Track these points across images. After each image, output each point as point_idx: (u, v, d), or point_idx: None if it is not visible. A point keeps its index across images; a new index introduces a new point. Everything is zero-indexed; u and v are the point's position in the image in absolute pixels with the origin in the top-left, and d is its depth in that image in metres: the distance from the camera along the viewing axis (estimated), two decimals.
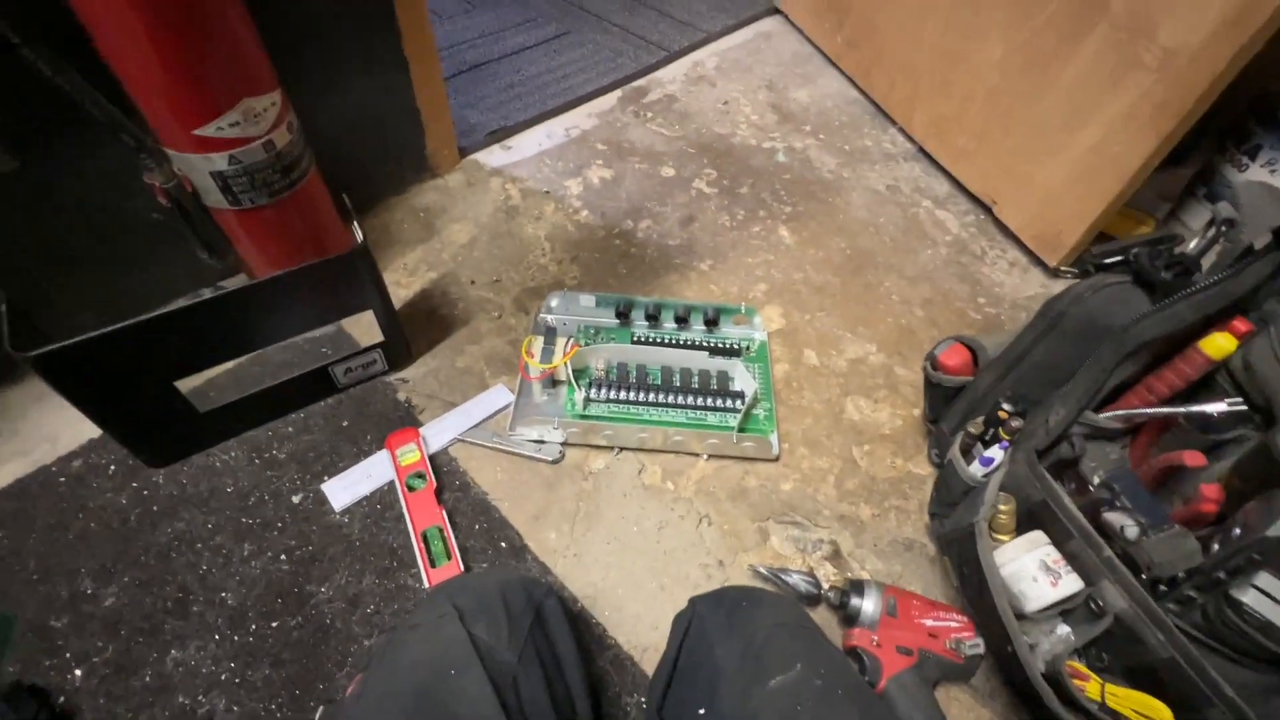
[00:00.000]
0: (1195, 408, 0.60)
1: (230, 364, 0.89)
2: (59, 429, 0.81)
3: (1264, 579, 0.50)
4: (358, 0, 0.93)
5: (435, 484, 0.80)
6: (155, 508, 0.77)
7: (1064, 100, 1.03)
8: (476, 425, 0.87)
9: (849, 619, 0.70)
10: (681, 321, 0.97)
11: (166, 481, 0.79)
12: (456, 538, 0.76)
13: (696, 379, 0.90)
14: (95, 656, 0.66)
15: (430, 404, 0.89)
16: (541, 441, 0.85)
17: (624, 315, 0.98)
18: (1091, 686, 0.57)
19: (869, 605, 0.69)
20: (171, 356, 0.73)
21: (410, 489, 0.79)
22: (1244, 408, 0.58)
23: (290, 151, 0.79)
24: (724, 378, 0.91)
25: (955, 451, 0.73)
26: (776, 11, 1.70)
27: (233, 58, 0.68)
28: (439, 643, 0.49)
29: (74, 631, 0.68)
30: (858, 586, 0.71)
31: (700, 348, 0.94)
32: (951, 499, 0.74)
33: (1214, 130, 1.07)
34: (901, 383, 0.97)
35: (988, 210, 1.23)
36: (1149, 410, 0.63)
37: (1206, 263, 0.64)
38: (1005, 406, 0.69)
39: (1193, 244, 0.64)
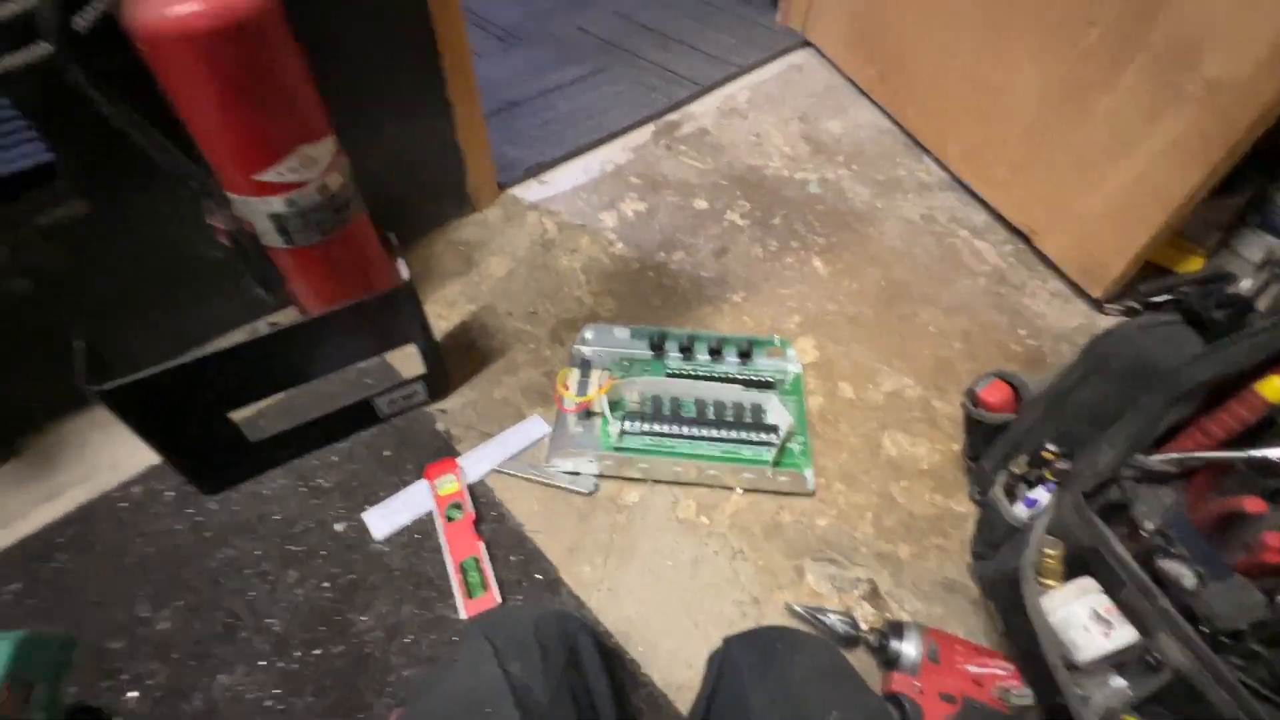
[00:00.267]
0: (1256, 452, 0.58)
1: (279, 395, 0.93)
2: (120, 457, 0.85)
3: None
4: (404, 48, 0.98)
5: (473, 514, 0.81)
6: (207, 534, 0.80)
7: (1104, 130, 1.02)
8: (513, 456, 0.88)
9: (889, 662, 0.68)
10: (715, 354, 0.98)
11: (218, 508, 0.83)
12: (493, 569, 0.77)
13: (730, 412, 0.90)
14: (149, 679, 0.69)
15: (468, 434, 0.91)
16: (576, 474, 0.86)
17: (658, 348, 0.99)
18: None
19: (910, 649, 0.67)
20: (227, 389, 0.77)
21: (449, 519, 0.81)
22: None
23: (341, 193, 0.83)
24: (758, 411, 0.91)
25: (998, 491, 0.71)
26: (807, 44, 1.72)
27: (293, 110, 0.73)
28: (475, 680, 0.50)
29: (130, 654, 0.71)
30: (897, 628, 0.69)
31: (734, 381, 0.95)
32: (995, 540, 0.72)
33: (1265, 158, 1.04)
34: (940, 417, 0.95)
35: (1027, 240, 1.21)
36: (1204, 454, 0.61)
37: (1262, 303, 0.62)
38: (1050, 447, 0.68)
39: (1246, 283, 0.62)
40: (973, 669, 0.65)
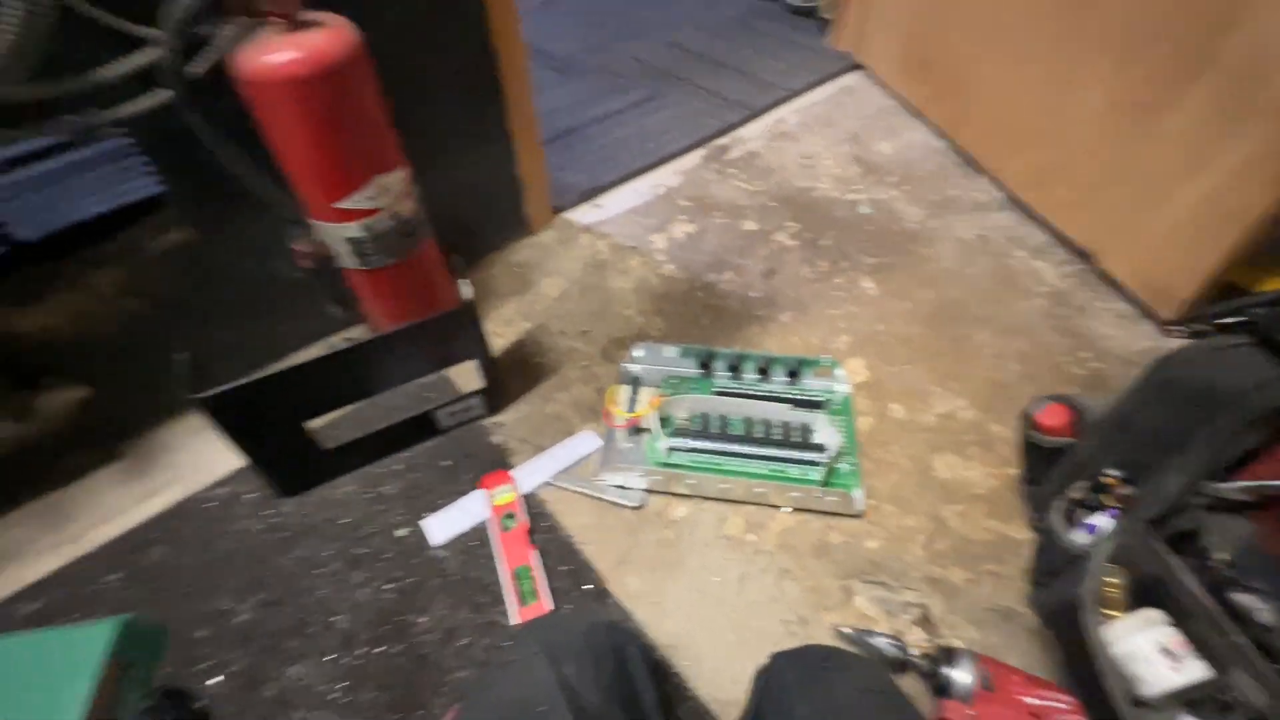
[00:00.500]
0: None
1: (350, 407, 0.99)
2: (210, 460, 0.93)
3: None
4: (470, 83, 1.04)
5: (527, 524, 0.84)
6: (283, 534, 0.86)
7: (1173, 149, 0.99)
8: (565, 470, 0.91)
9: (940, 689, 0.67)
10: (763, 373, 0.99)
11: (293, 511, 0.89)
12: (544, 577, 0.80)
13: (778, 431, 0.91)
14: (230, 667, 0.74)
15: (522, 447, 0.95)
16: (625, 488, 0.88)
17: (706, 366, 1.00)
18: None
19: (963, 676, 0.66)
20: (305, 400, 0.83)
21: (503, 528, 0.84)
22: None
23: (411, 218, 0.89)
24: (806, 430, 0.91)
25: (1056, 517, 0.69)
26: (858, 67, 1.73)
27: (371, 144, 0.79)
28: (529, 681, 0.52)
29: (213, 643, 0.77)
30: (950, 655, 0.68)
31: (782, 400, 0.95)
32: (1053, 567, 0.70)
33: None
34: (995, 440, 0.93)
35: (1089, 260, 1.17)
36: None
37: None
38: (1112, 472, 0.66)
39: None
40: (1031, 700, 0.63)
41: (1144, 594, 0.60)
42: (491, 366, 0.93)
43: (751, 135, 1.55)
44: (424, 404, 0.95)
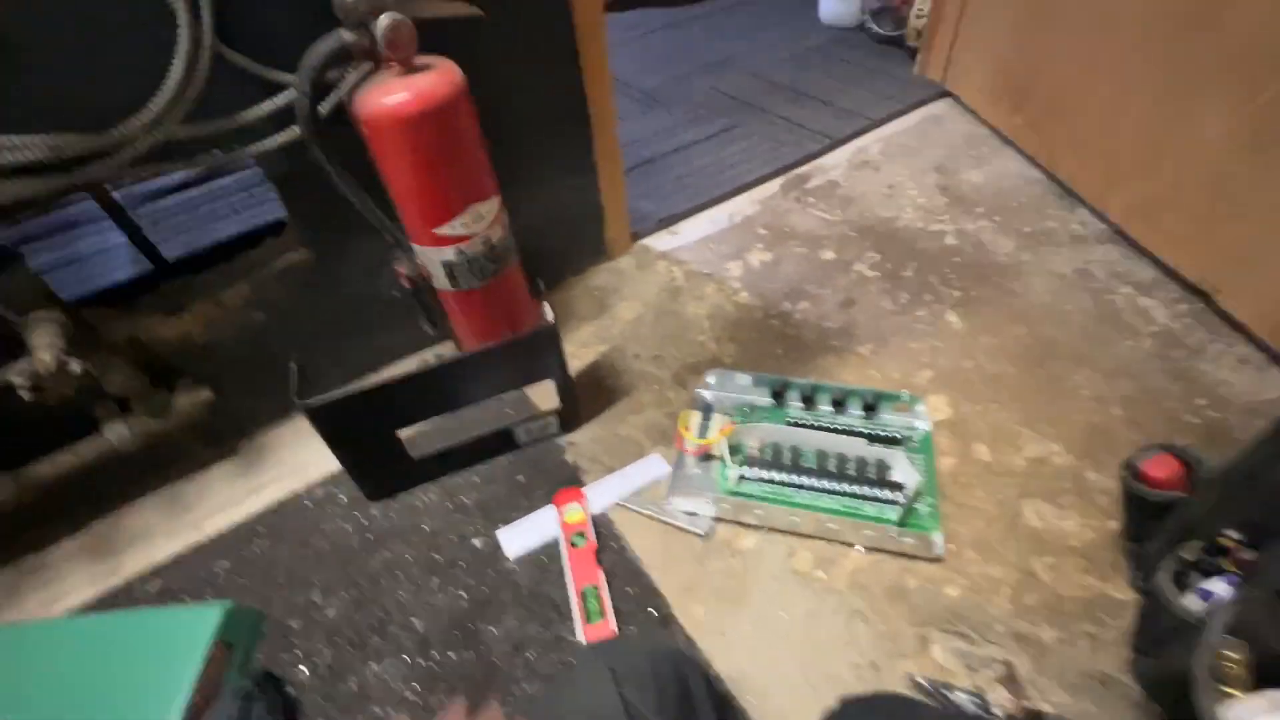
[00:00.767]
0: None
1: (435, 419, 1.05)
2: (311, 461, 1.01)
3: None
4: (560, 116, 1.10)
5: (595, 544, 0.86)
6: (370, 536, 0.92)
7: None
8: (635, 492, 0.92)
9: None
10: (838, 406, 0.97)
11: (380, 515, 0.94)
12: (611, 598, 0.81)
13: (853, 466, 0.89)
14: (317, 658, 0.80)
15: (594, 466, 0.97)
16: (694, 514, 0.89)
17: (780, 396, 1.00)
18: None
19: None
20: (398, 411, 0.89)
21: (573, 545, 0.86)
22: None
23: (501, 244, 0.94)
24: (883, 467, 0.88)
25: (1165, 579, 0.64)
26: (946, 95, 1.68)
27: (469, 175, 0.85)
28: (593, 702, 0.53)
29: (304, 634, 0.82)
30: (1038, 719, 0.63)
31: (858, 434, 0.93)
32: (1160, 635, 0.64)
33: None
34: (1094, 490, 0.87)
35: (1206, 299, 1.08)
36: None
37: None
38: (1231, 533, 0.60)
39: None
40: None
41: (1270, 672, 0.54)
42: (568, 387, 0.96)
43: (832, 164, 1.53)
44: (503, 419, 0.99)
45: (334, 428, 0.84)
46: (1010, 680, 0.71)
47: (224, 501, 0.98)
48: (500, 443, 0.99)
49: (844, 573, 0.82)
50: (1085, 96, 1.26)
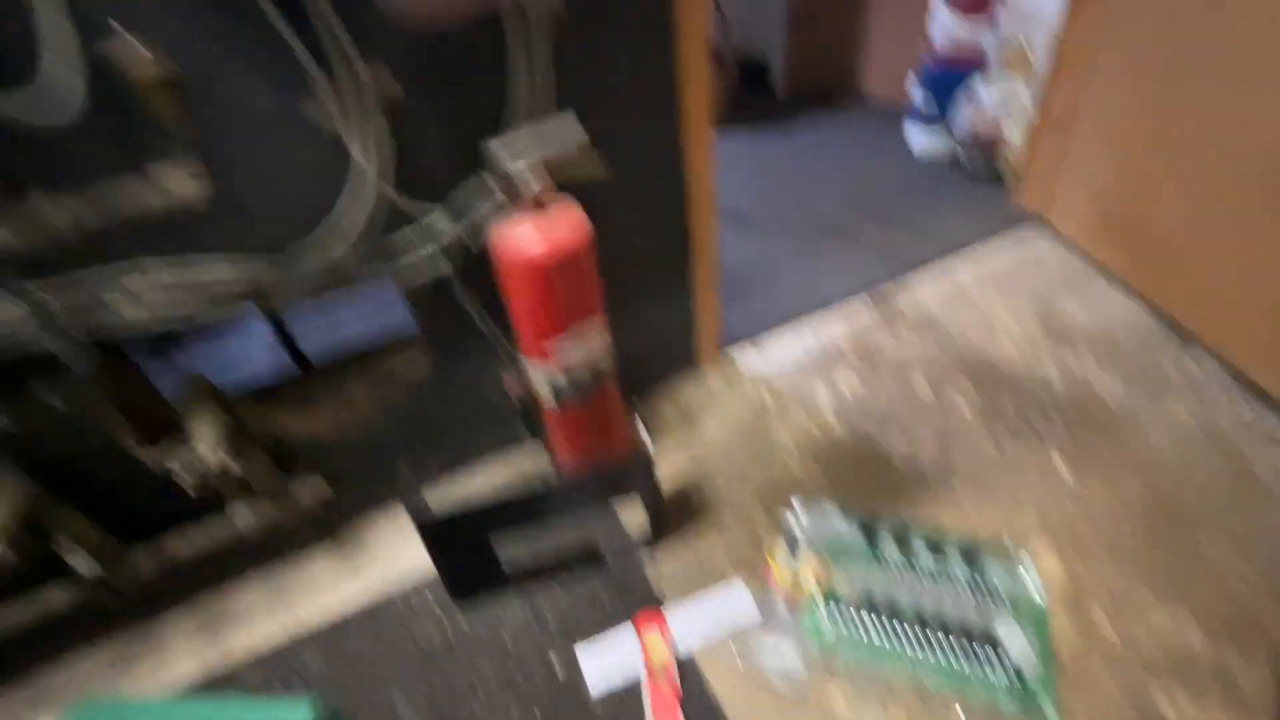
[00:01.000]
0: None
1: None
2: (405, 559, 1.05)
3: None
4: (665, 243, 1.17)
5: (679, 690, 0.83)
6: (455, 644, 0.93)
7: None
8: (718, 625, 0.90)
9: None
10: (936, 551, 0.92)
11: (465, 624, 0.96)
12: None
13: (955, 625, 0.83)
14: None
15: (676, 589, 0.96)
16: (780, 660, 0.85)
17: (871, 533, 0.96)
18: None
19: None
20: (495, 522, 0.92)
21: (655, 684, 0.84)
22: None
23: (602, 364, 0.99)
24: (988, 629, 0.82)
25: None
26: (1042, 225, 1.68)
27: (583, 303, 0.92)
28: None
29: None
30: None
31: (958, 584, 0.88)
32: None
33: None
34: (1241, 681, 0.77)
35: None
36: None
37: None
38: None
39: None
40: None
41: None
42: (658, 509, 0.97)
43: (924, 291, 1.54)
44: (590, 534, 1.00)
45: (437, 537, 0.88)
46: None
47: (323, 592, 1.03)
48: (585, 557, 1.00)
49: None
50: (1199, 235, 1.22)
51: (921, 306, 1.49)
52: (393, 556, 1.06)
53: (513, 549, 1.01)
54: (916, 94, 2.12)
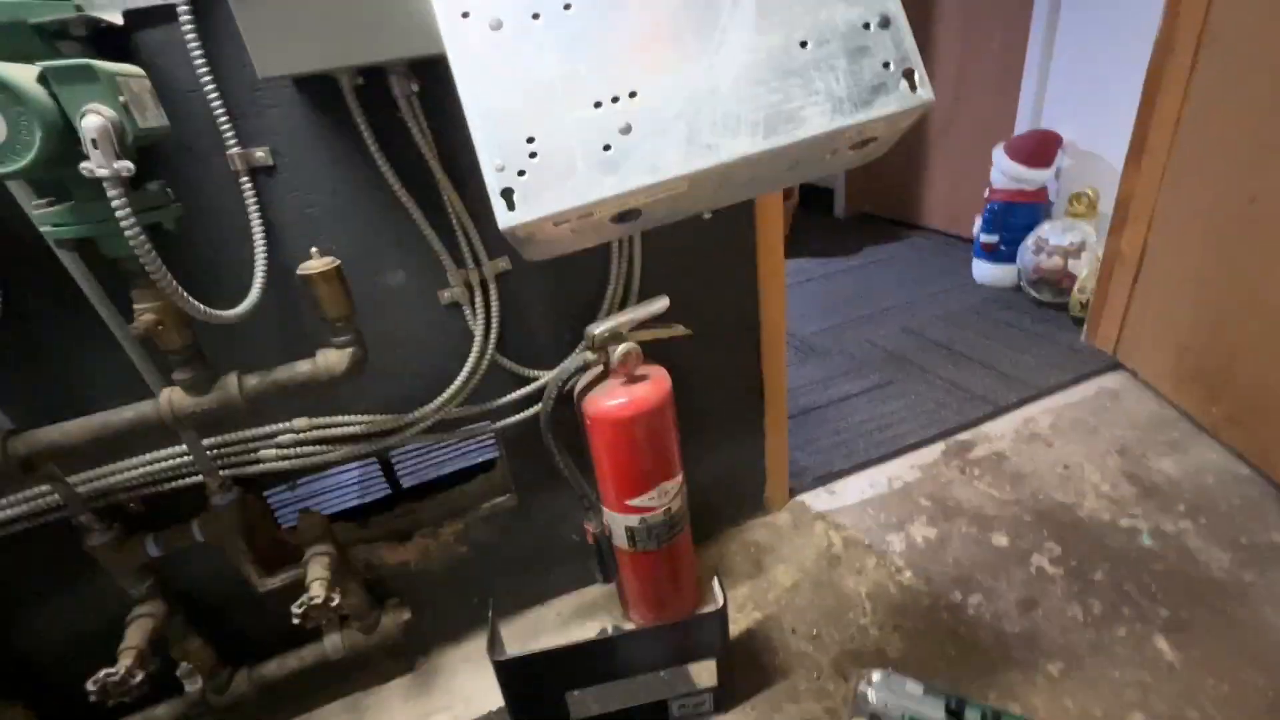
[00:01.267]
0: None
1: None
2: (476, 695, 1.07)
3: None
4: (737, 389, 1.23)
5: None
6: None
7: None
8: None
9: None
10: None
11: None
12: None
13: None
14: None
15: None
16: None
17: (957, 716, 0.91)
18: None
19: None
20: (571, 671, 0.94)
21: None
22: None
23: (679, 513, 1.03)
24: None
25: None
26: (1120, 368, 1.65)
27: (663, 459, 0.97)
28: None
29: None
30: None
31: None
32: None
33: None
34: None
35: None
36: None
37: None
38: None
39: None
40: None
41: None
42: (728, 666, 0.96)
43: (998, 434, 1.52)
44: (659, 691, 1.00)
45: (512, 677, 0.90)
46: None
47: None
48: (654, 714, 0.99)
49: None
50: None
51: (996, 450, 1.47)
52: (466, 692, 1.08)
53: (582, 698, 1.02)
54: (981, 230, 2.19)
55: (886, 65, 0.56)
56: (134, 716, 0.96)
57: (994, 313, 2.05)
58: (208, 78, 0.71)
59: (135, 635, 0.85)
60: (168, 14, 0.69)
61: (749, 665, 1.06)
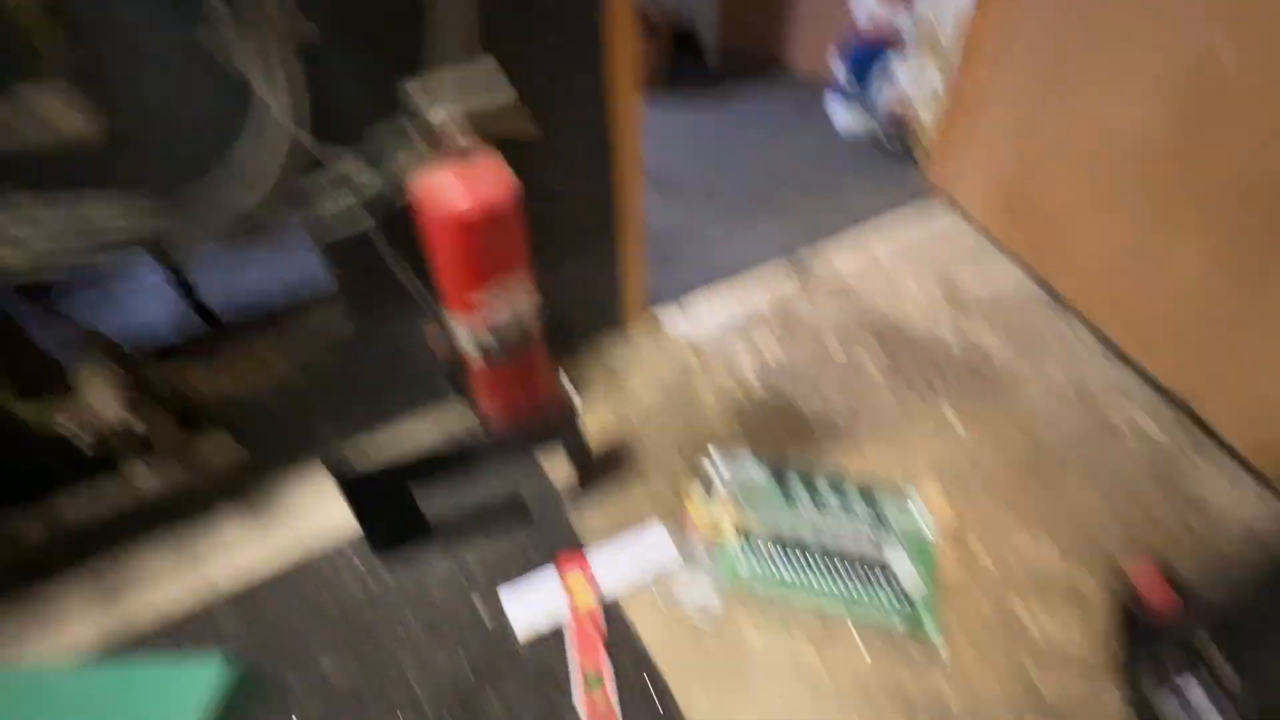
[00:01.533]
0: None
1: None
2: (324, 521, 1.02)
3: None
4: (591, 200, 1.18)
5: (604, 631, 0.87)
6: (379, 601, 0.93)
7: None
8: (639, 567, 0.94)
9: None
10: (838, 492, 1.00)
11: (389, 578, 0.96)
12: (616, 688, 0.82)
13: (856, 561, 0.91)
14: (310, 715, 0.79)
15: (598, 533, 0.99)
16: (699, 598, 0.90)
17: (781, 478, 1.03)
18: None
19: None
20: (419, 478, 0.92)
21: (580, 626, 0.87)
22: None
23: (528, 320, 1.00)
24: (884, 564, 0.91)
25: (1153, 689, 0.66)
26: (949, 201, 1.80)
27: (507, 256, 0.92)
28: None
29: (300, 693, 0.82)
30: None
31: (857, 520, 0.96)
32: None
33: None
34: (1089, 598, 0.89)
35: (1193, 415, 1.14)
36: None
37: None
38: (1214, 647, 0.63)
39: None
40: None
41: None
42: (583, 461, 1.00)
43: (840, 259, 1.62)
44: (513, 484, 1.02)
45: (359, 493, 0.87)
46: None
47: (236, 554, 0.99)
48: (510, 509, 1.02)
49: (847, 673, 0.83)
50: (1080, 220, 1.36)
51: (837, 274, 1.57)
52: (310, 516, 1.04)
53: (438, 504, 1.02)
54: (839, 70, 2.20)
55: None
56: None
57: (848, 156, 2.12)
58: None
59: None
60: None
61: (604, 462, 1.11)
